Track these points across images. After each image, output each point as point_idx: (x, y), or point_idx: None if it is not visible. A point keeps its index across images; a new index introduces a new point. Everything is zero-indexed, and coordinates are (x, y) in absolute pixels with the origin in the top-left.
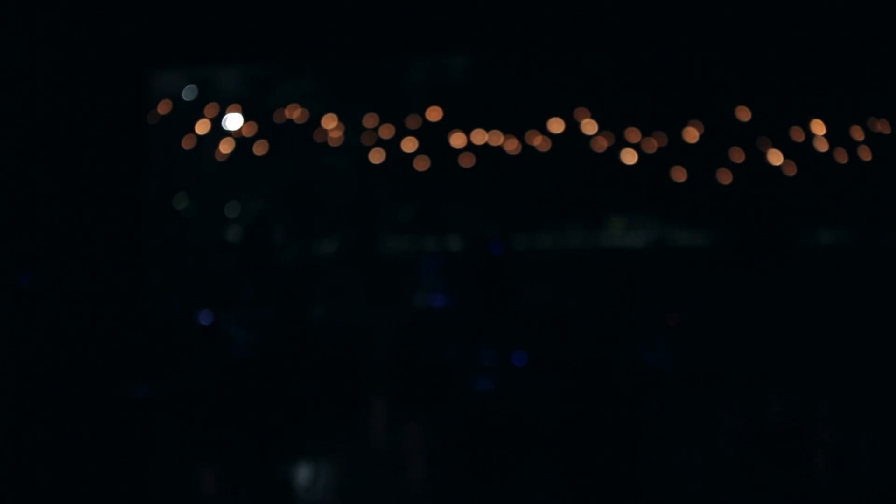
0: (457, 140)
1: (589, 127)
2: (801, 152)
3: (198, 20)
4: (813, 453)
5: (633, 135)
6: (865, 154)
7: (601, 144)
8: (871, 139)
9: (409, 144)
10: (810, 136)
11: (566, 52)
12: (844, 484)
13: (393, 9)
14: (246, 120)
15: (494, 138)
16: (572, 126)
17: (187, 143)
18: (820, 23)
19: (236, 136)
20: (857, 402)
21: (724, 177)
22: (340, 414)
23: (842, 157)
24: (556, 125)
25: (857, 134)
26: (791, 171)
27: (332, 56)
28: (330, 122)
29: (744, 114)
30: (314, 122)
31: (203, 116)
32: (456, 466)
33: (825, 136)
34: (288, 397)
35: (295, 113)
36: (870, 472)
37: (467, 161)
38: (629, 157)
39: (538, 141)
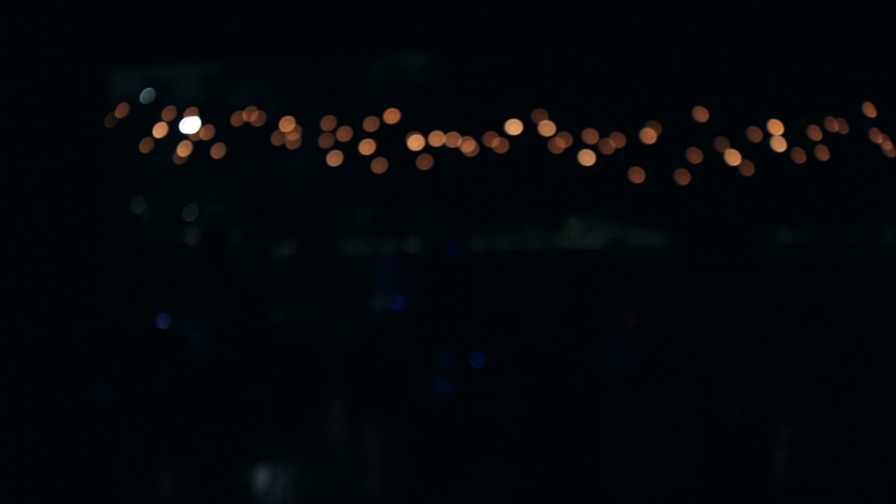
0: (414, 142)
1: (546, 128)
2: (758, 152)
3: (154, 19)
4: (771, 452)
5: (590, 136)
6: (823, 154)
7: (559, 146)
8: (829, 139)
9: (366, 147)
10: (768, 136)
11: (524, 53)
12: (803, 482)
13: (350, 7)
14: (203, 123)
15: (452, 140)
16: (530, 127)
17: (145, 147)
18: (777, 24)
19: (194, 139)
20: (816, 400)
21: (682, 177)
22: (298, 417)
23: (799, 156)
24: (514, 127)
25: (815, 134)
26: (749, 171)
27: (290, 54)
28: (287, 125)
29: (701, 114)
30: (272, 124)
31: (160, 120)
32: (414, 469)
33: (783, 135)
34: (246, 400)
35: (252, 116)
36: (828, 469)
37: (425, 163)
38: (587, 158)
39: (496, 142)
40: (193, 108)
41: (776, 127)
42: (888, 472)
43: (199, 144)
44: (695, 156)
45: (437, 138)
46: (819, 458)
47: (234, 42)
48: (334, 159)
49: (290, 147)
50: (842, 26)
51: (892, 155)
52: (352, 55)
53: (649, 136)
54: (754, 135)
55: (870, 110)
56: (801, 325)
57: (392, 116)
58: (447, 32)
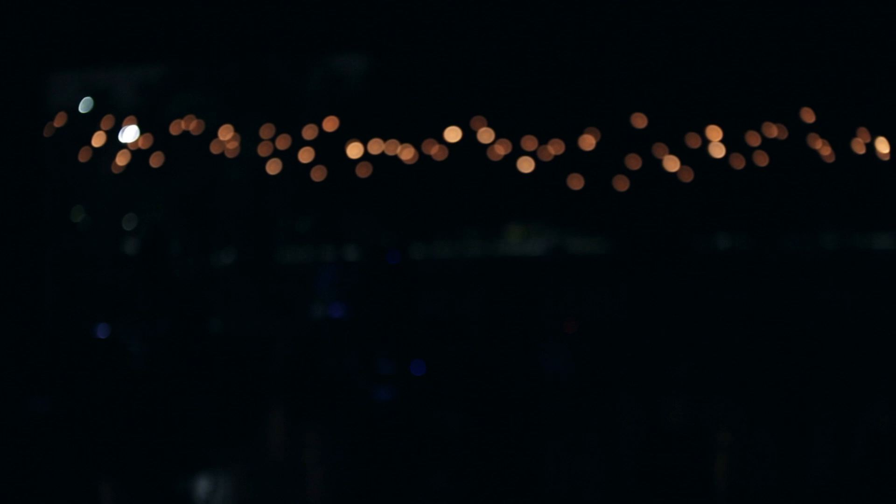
0: (353, 150)
1: (485, 135)
2: (697, 158)
3: (90, 23)
4: (710, 456)
5: (529, 143)
6: (762, 159)
7: (498, 153)
8: (768, 144)
9: (305, 155)
10: (706, 141)
11: (462, 60)
12: (742, 486)
13: (288, 10)
14: (142, 132)
15: (391, 148)
16: (469, 135)
17: (83, 156)
18: (714, 28)
19: (132, 148)
20: (755, 404)
21: (621, 184)
22: (239, 425)
23: (738, 162)
24: (453, 134)
25: (754, 139)
26: (687, 177)
27: (229, 56)
28: (226, 134)
29: (640, 121)
30: (210, 133)
31: (99, 129)
32: (355, 475)
33: (721, 141)
34: (186, 409)
35: (191, 125)
36: (766, 473)
37: (364, 171)
38: (526, 165)
39: (435, 150)
40: (132, 117)
41: (715, 133)
42: (826, 475)
43: (137, 153)
44: (633, 162)
45: (377, 146)
46: (757, 462)
47: (173, 45)
48: (273, 167)
49: (229, 155)
50: (779, 31)
51: (830, 160)
52: (289, 57)
53: (588, 142)
54: (693, 141)
55: (808, 116)
56: (740, 330)
57: (331, 124)
58: (384, 36)
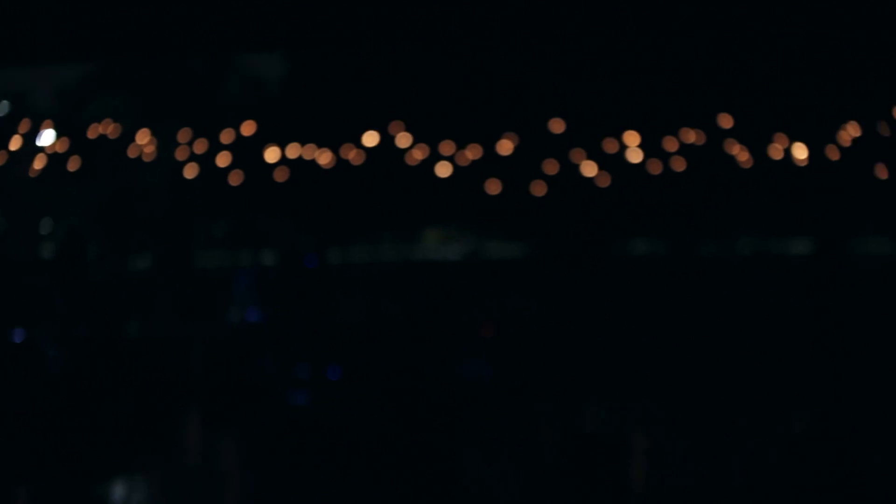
0: (271, 154)
1: (403, 140)
2: (614, 163)
3: (4, 23)
4: (628, 460)
5: (447, 147)
6: (679, 165)
7: (415, 157)
8: (685, 150)
9: (223, 159)
10: (623, 147)
11: (380, 64)
12: (660, 489)
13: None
14: (59, 136)
15: (309, 152)
16: (387, 139)
17: None
18: (631, 33)
19: (49, 152)
20: (673, 408)
21: (539, 188)
22: (155, 430)
23: (655, 167)
24: (371, 138)
25: (671, 145)
26: (605, 182)
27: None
28: (143, 138)
29: (557, 126)
30: (128, 137)
31: (16, 132)
32: (272, 480)
33: (639, 146)
34: (102, 413)
35: (108, 129)
36: (684, 478)
37: (282, 175)
38: (444, 169)
39: (353, 154)
40: (49, 121)
41: (632, 138)
42: (742, 479)
43: (54, 157)
44: (551, 167)
45: (294, 150)
46: (674, 466)
47: (89, 44)
48: (191, 172)
49: (147, 160)
50: (697, 36)
51: (747, 166)
52: (205, 57)
53: (506, 147)
54: (610, 146)
55: (725, 121)
56: (657, 334)
57: (249, 128)
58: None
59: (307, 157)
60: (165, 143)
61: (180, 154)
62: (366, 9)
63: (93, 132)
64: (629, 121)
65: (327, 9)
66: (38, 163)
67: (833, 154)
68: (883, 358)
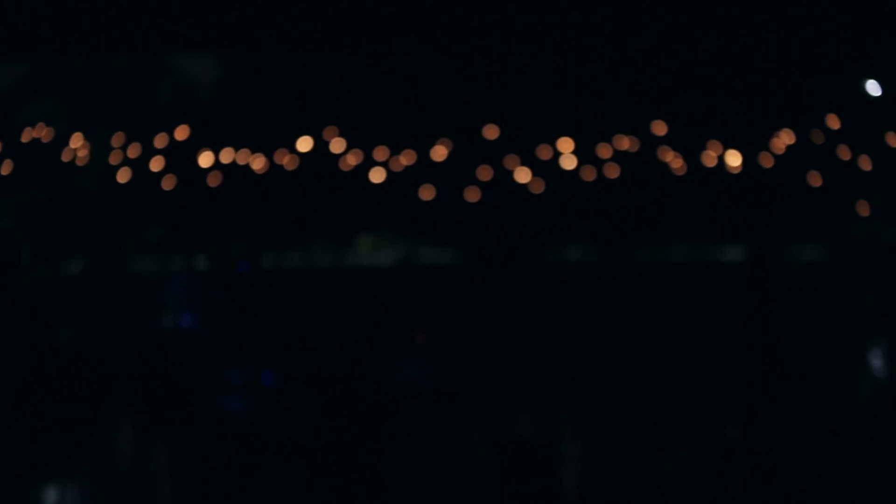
0: (205, 159)
1: (337, 145)
2: (548, 170)
3: None
4: (561, 468)
5: (381, 153)
6: (612, 171)
7: (349, 163)
8: (618, 156)
9: (156, 163)
10: (557, 153)
11: (315, 69)
12: (593, 498)
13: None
14: None
15: (242, 157)
16: (321, 144)
17: None
18: (565, 39)
19: None
20: (606, 415)
21: (472, 194)
22: (87, 435)
23: (589, 174)
24: (305, 143)
25: (604, 151)
26: (538, 188)
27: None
28: (77, 142)
29: (491, 132)
30: (61, 141)
31: None
32: (204, 486)
33: (572, 153)
34: (34, 418)
35: (41, 132)
36: (616, 484)
37: (215, 180)
38: (377, 175)
39: (286, 159)
40: None
41: (566, 144)
42: (674, 486)
43: None
44: (485, 173)
45: (228, 155)
46: (607, 473)
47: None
48: (124, 176)
49: (80, 164)
50: (631, 42)
51: (680, 173)
52: (136, 58)
53: (439, 153)
54: (544, 152)
55: (659, 128)
56: (590, 340)
57: (182, 133)
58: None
59: (241, 161)
60: (99, 147)
61: (114, 158)
62: (299, 12)
63: (26, 136)
64: (563, 127)
65: (260, 11)
66: None
67: (767, 161)
68: (815, 364)
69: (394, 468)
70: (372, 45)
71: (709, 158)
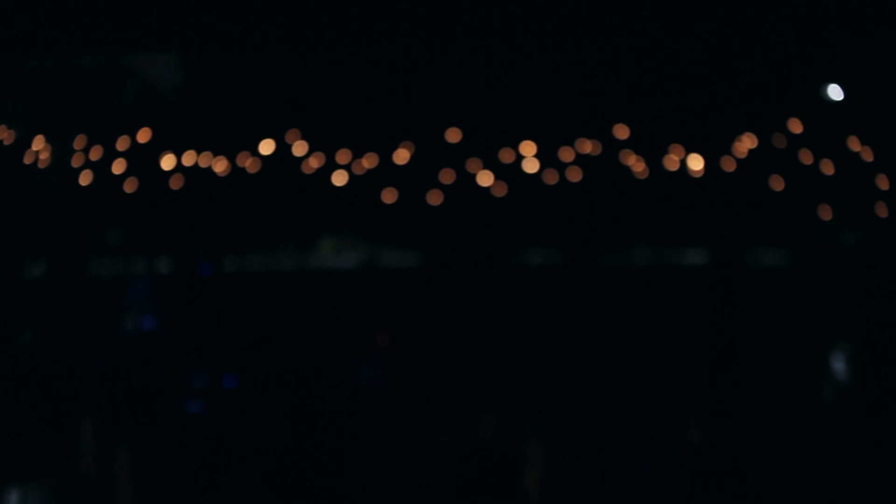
0: (167, 161)
1: (300, 148)
2: (510, 173)
3: None
4: (523, 470)
5: (343, 156)
6: (575, 175)
7: (311, 166)
8: (581, 160)
9: (118, 166)
10: (520, 157)
11: (277, 72)
12: (555, 501)
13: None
14: None
15: (204, 159)
16: (283, 147)
17: None
18: (528, 43)
19: None
20: (568, 418)
21: (434, 198)
22: (48, 438)
23: (551, 177)
24: (267, 146)
25: (567, 155)
26: (501, 191)
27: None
28: (38, 144)
29: (454, 135)
30: (23, 143)
31: None
32: (166, 489)
33: (535, 156)
34: None
35: (3, 134)
36: (578, 487)
37: (177, 182)
38: (340, 178)
39: (248, 162)
40: None
41: (528, 148)
42: (636, 488)
43: None
44: (447, 176)
45: (190, 158)
46: (570, 476)
47: None
48: (86, 179)
49: (42, 166)
50: (594, 46)
51: (643, 177)
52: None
53: (402, 156)
54: (506, 156)
55: (621, 132)
56: (552, 344)
57: (144, 136)
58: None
59: (203, 164)
60: (61, 149)
61: (75, 161)
62: (262, 16)
63: None
64: (525, 130)
65: (223, 13)
66: None
67: (729, 165)
68: (777, 367)
69: (357, 470)
70: (334, 48)
71: (671, 162)
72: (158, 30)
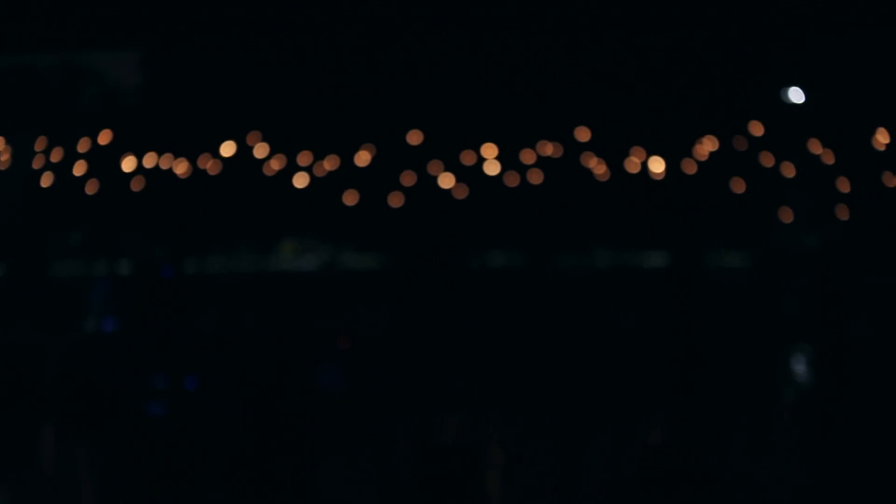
0: (128, 163)
1: (261, 150)
2: (472, 175)
3: None
4: (484, 473)
5: (304, 158)
6: (536, 177)
7: (273, 168)
8: (542, 162)
9: (79, 168)
10: (481, 159)
11: (238, 73)
12: (516, 501)
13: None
14: None
15: (166, 161)
16: (244, 149)
17: None
18: (489, 44)
19: None
20: (529, 421)
21: (396, 200)
22: (9, 440)
23: (512, 180)
24: (228, 148)
25: (528, 157)
26: (462, 194)
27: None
28: None
29: (415, 137)
30: None
31: None
32: (128, 491)
33: (496, 158)
34: None
35: None
36: (539, 490)
37: (138, 184)
38: (301, 180)
39: (209, 164)
40: None
41: (490, 150)
42: (598, 491)
43: None
44: (408, 178)
45: (151, 159)
46: (531, 478)
47: None
48: (46, 180)
49: (2, 168)
50: (554, 49)
51: (604, 179)
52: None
53: (363, 158)
54: (468, 158)
55: (582, 134)
56: (514, 346)
57: (105, 137)
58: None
59: (164, 166)
60: (21, 151)
61: (36, 162)
62: (222, 16)
63: None
64: (487, 133)
65: (183, 12)
66: None
67: (690, 168)
68: (738, 370)
69: (318, 472)
70: (295, 50)
71: (632, 165)
72: (118, 28)
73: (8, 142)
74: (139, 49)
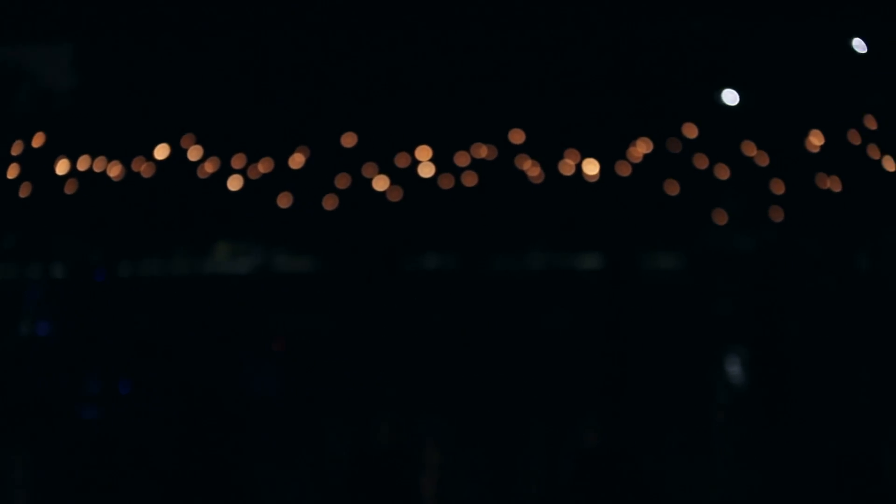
0: (61, 166)
1: (195, 153)
2: (406, 178)
3: None
4: (418, 475)
5: (239, 160)
6: (470, 180)
7: (207, 170)
8: (476, 165)
9: (12, 171)
10: (415, 161)
11: (173, 76)
12: (451, 502)
13: None
14: None
15: (99, 164)
16: (178, 152)
17: None
18: (425, 49)
19: None
20: (463, 424)
21: (330, 202)
22: None
23: (447, 182)
24: (162, 151)
25: (462, 159)
26: (396, 196)
27: None
28: None
29: (349, 140)
30: None
31: None
32: (62, 493)
33: (430, 161)
34: None
35: None
36: (473, 492)
37: (71, 187)
38: (235, 183)
39: (143, 167)
40: None
41: (424, 152)
42: (533, 492)
43: None
44: (343, 181)
45: (85, 162)
46: (465, 481)
47: None
48: None
49: None
50: (489, 51)
51: (538, 181)
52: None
53: (297, 160)
54: (402, 160)
55: (517, 136)
56: (448, 348)
57: (39, 140)
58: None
59: (98, 169)
60: None
61: None
62: (156, 16)
63: None
64: (421, 135)
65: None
66: None
67: (624, 170)
68: (672, 371)
69: (252, 474)
70: (230, 52)
71: (566, 167)
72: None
73: None
74: (71, 43)
